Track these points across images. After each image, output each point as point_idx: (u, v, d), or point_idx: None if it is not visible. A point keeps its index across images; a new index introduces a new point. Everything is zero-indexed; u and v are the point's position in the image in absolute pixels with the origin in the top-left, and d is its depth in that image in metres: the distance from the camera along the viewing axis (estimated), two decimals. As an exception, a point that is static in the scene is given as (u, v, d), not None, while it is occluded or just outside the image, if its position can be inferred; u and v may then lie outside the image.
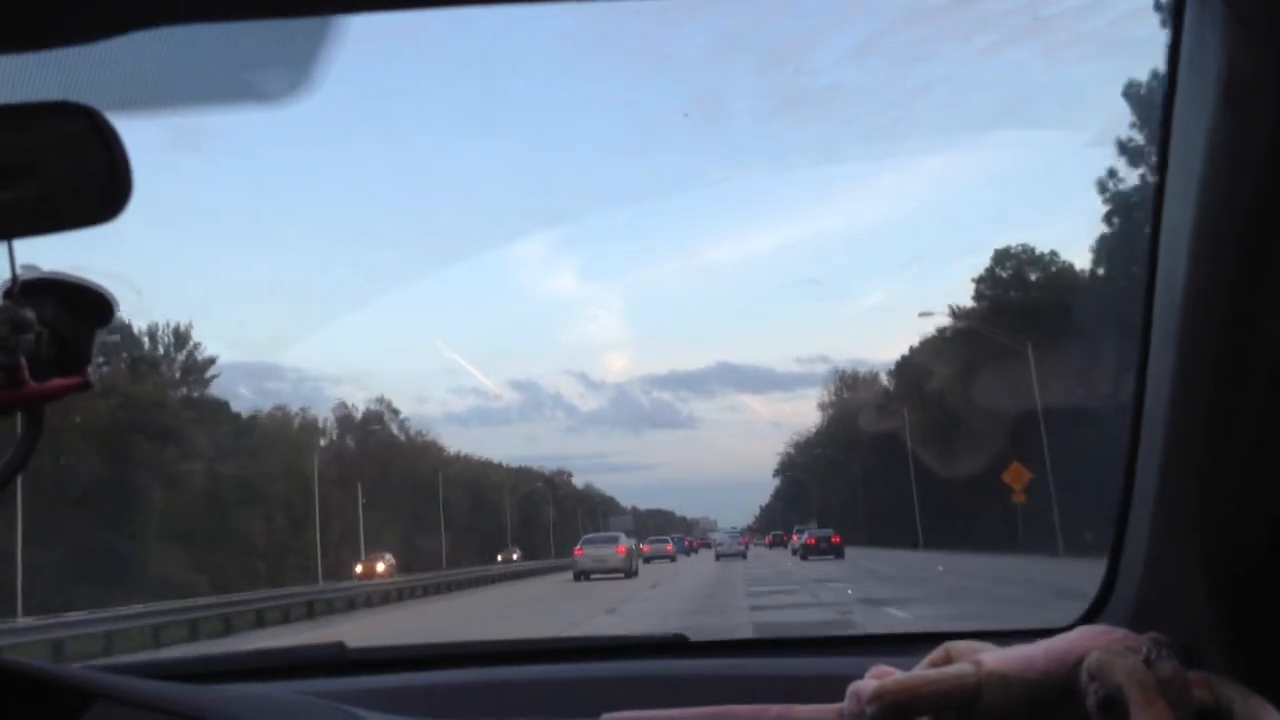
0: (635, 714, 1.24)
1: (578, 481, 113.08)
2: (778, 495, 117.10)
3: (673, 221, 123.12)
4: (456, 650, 1.79)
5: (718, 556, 50.39)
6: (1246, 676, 1.00)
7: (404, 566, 53.73)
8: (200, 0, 0.80)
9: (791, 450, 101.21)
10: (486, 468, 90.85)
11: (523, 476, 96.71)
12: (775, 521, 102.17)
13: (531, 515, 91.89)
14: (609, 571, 33.67)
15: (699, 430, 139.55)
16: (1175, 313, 1.00)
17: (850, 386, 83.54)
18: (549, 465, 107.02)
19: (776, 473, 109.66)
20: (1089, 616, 1.34)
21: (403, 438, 78.66)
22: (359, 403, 76.89)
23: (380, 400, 78.24)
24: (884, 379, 70.89)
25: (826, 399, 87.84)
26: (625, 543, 36.42)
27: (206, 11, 0.81)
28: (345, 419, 74.78)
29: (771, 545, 72.53)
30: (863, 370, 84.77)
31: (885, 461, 58.87)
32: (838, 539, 43.63)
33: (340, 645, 1.73)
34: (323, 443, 68.25)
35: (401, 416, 79.77)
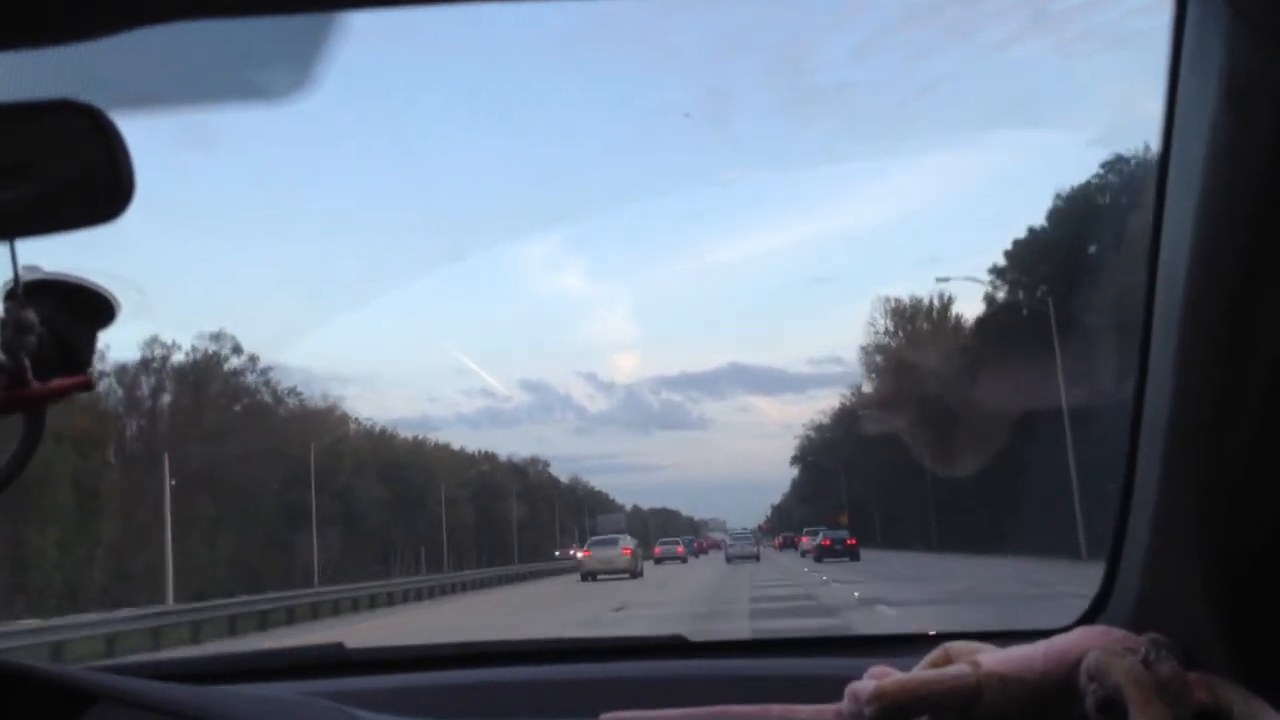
0: (634, 714, 1.24)
1: (562, 474, 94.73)
2: (794, 491, 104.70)
3: (680, 220, 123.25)
4: (456, 651, 1.79)
5: (729, 559, 50.17)
6: (1246, 677, 0.99)
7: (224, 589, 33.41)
8: None
9: (813, 433, 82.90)
10: (418, 446, 68.40)
11: (472, 462, 72.84)
12: (789, 521, 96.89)
13: (496, 511, 72.79)
14: (615, 572, 34.06)
15: (710, 431, 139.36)
16: (1176, 312, 0.99)
17: (909, 319, 58.58)
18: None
19: (794, 460, 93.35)
20: (1088, 617, 1.33)
21: (268, 397, 53.27)
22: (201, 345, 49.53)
23: (217, 337, 50.23)
24: (982, 283, 43.90)
25: (871, 340, 61.40)
26: (630, 544, 36.86)
27: (208, 8, 0.81)
28: (158, 365, 48.65)
29: (781, 547, 71.31)
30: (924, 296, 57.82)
31: (988, 416, 34.70)
32: (853, 540, 43.36)
33: (340, 646, 1.73)
34: (151, 398, 47.43)
35: (262, 365, 51.99)
